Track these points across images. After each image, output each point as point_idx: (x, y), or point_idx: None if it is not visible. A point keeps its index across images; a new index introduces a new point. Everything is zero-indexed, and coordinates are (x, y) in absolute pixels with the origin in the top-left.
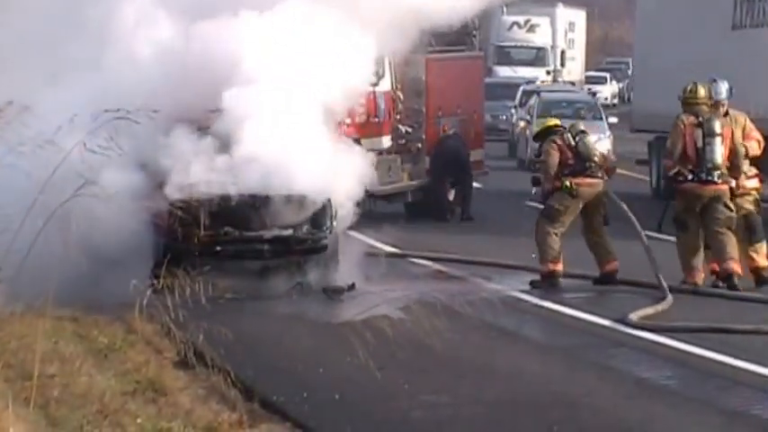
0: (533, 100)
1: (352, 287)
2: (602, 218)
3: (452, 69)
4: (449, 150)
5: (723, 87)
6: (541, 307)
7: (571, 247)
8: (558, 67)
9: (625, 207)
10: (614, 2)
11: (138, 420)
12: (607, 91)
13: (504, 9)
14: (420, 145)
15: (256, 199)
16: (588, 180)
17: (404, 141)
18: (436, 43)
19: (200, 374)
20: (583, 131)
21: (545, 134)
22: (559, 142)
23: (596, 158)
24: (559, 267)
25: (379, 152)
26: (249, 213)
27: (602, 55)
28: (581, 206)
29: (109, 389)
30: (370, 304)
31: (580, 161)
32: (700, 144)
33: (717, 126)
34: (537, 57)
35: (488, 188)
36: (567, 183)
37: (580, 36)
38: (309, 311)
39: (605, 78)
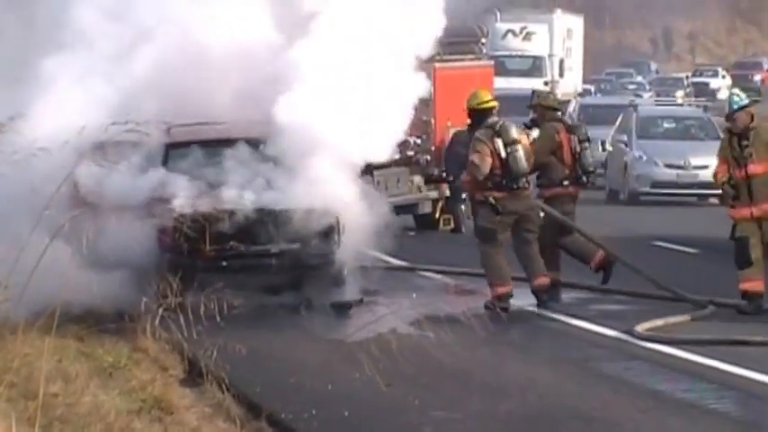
0: (628, 116)
1: (359, 302)
2: (535, 228)
3: (461, 78)
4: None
5: None
6: (553, 320)
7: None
8: (557, 77)
9: (558, 214)
10: (626, 8)
11: None
12: None
13: (499, 16)
14: (429, 156)
15: (263, 213)
16: (515, 195)
17: (412, 152)
18: (443, 51)
19: (206, 392)
20: (515, 141)
21: (477, 117)
22: (490, 147)
23: (527, 176)
24: (509, 288)
25: (388, 164)
26: (256, 228)
27: (614, 64)
28: (512, 219)
29: (114, 408)
30: (378, 319)
31: (508, 176)
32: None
33: None
34: (533, 66)
35: None
36: (492, 199)
37: (578, 44)
38: (317, 327)
39: (589, 92)
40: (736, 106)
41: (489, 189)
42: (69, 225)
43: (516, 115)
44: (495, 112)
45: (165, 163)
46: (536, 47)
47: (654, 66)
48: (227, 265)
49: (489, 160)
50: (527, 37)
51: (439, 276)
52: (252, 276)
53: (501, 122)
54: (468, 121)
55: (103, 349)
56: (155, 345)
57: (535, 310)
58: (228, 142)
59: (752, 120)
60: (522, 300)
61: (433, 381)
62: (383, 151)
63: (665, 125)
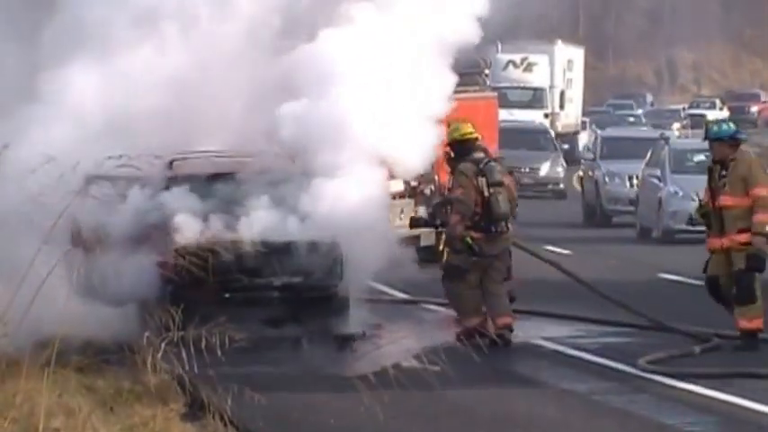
0: (660, 149)
1: (362, 335)
2: (507, 269)
3: (465, 110)
4: None
5: None
6: (558, 353)
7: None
8: (557, 109)
9: (531, 249)
10: (629, 39)
11: None
12: (584, 139)
13: (500, 47)
14: (433, 187)
15: (266, 246)
16: (492, 238)
17: (416, 184)
18: None
19: (208, 426)
20: (499, 184)
21: (460, 150)
22: (474, 184)
23: (507, 219)
24: (481, 319)
25: (392, 196)
26: (258, 260)
27: (615, 96)
28: (488, 263)
29: None
30: (381, 352)
31: (487, 218)
32: None
33: None
34: (534, 98)
35: None
36: (469, 239)
37: (578, 76)
38: (319, 360)
39: (584, 124)
40: (712, 136)
41: (467, 228)
42: (70, 258)
43: (525, 149)
44: (477, 145)
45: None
46: (537, 78)
47: (649, 97)
48: (229, 297)
49: (474, 195)
50: (528, 68)
51: (442, 309)
52: (254, 309)
53: (486, 161)
54: (450, 154)
55: (104, 382)
56: (156, 378)
57: (541, 342)
58: (231, 175)
59: (734, 150)
60: (526, 332)
61: (436, 414)
62: (414, 166)
63: (700, 158)
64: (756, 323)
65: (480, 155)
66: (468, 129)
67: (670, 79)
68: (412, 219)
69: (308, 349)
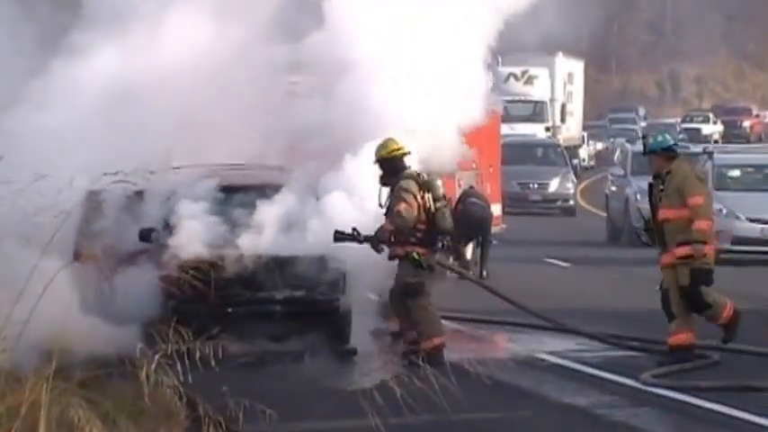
0: (703, 164)
1: (355, 353)
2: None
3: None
4: (470, 210)
5: None
6: (560, 366)
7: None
8: (558, 122)
9: (455, 267)
10: (632, 53)
11: None
12: (583, 152)
13: (500, 59)
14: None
15: (268, 260)
16: (435, 254)
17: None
18: None
19: None
20: (444, 197)
21: (389, 167)
22: (418, 199)
23: (450, 236)
24: (444, 338)
25: None
26: (261, 274)
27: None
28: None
29: None
30: (384, 366)
31: (432, 233)
32: None
33: None
34: (535, 112)
35: (507, 243)
36: (415, 255)
37: (579, 88)
38: (321, 373)
39: (582, 138)
40: (648, 149)
41: (413, 245)
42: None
43: (534, 164)
44: (406, 160)
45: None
46: (538, 91)
47: (642, 111)
48: (231, 311)
49: (417, 213)
50: (529, 81)
51: (445, 322)
52: (257, 323)
53: (424, 175)
54: (380, 172)
55: (107, 396)
56: (159, 392)
57: (543, 356)
58: (234, 188)
59: (670, 163)
60: (529, 346)
61: (438, 428)
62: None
63: (744, 174)
64: (681, 339)
65: (416, 170)
66: (395, 145)
67: (672, 92)
68: (336, 232)
69: (310, 363)
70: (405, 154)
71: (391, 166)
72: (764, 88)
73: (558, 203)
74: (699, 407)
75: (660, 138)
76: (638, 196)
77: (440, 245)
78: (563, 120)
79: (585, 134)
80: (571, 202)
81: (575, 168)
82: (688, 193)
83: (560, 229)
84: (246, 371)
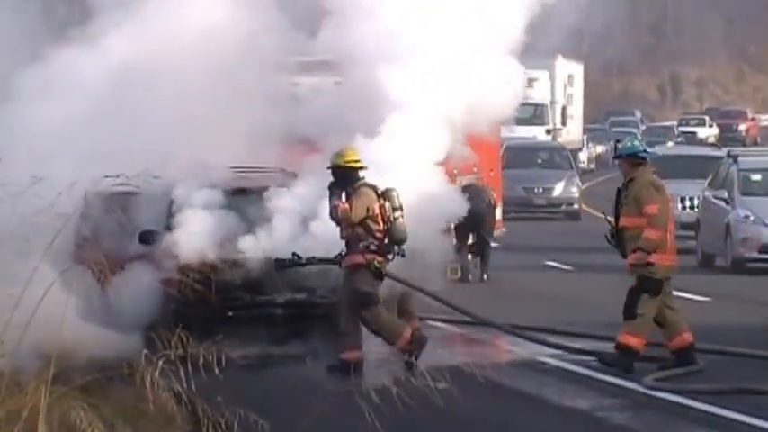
0: (726, 169)
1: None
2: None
3: None
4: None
5: None
6: (561, 369)
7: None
8: (559, 125)
9: (403, 278)
10: (632, 56)
11: None
12: (583, 155)
13: None
14: None
15: (269, 263)
16: (389, 263)
17: None
18: None
19: None
20: (401, 208)
21: (342, 176)
22: (378, 209)
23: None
24: (409, 329)
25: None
26: (262, 277)
27: (615, 112)
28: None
29: None
30: (384, 369)
31: (390, 242)
32: None
33: None
34: (535, 114)
35: (510, 247)
36: (376, 263)
37: (579, 91)
38: (322, 376)
39: (582, 141)
40: (617, 154)
41: (372, 252)
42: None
43: (539, 167)
44: (357, 174)
45: (170, 214)
46: (538, 94)
47: (638, 114)
48: (233, 315)
49: (363, 215)
50: (529, 83)
51: (445, 325)
52: (258, 326)
53: (382, 188)
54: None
55: (107, 400)
56: (159, 396)
57: (544, 359)
58: (235, 191)
59: (635, 169)
60: (530, 348)
61: (439, 430)
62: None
63: (757, 178)
64: (633, 341)
65: (370, 182)
66: (352, 156)
67: (673, 95)
68: (276, 260)
69: (311, 366)
70: (360, 168)
71: (344, 175)
72: (764, 91)
73: (563, 207)
74: (698, 410)
75: (629, 143)
76: None
77: (393, 255)
78: (564, 122)
79: (585, 137)
80: (576, 206)
81: (578, 172)
82: (644, 202)
83: (564, 232)
84: (247, 374)
